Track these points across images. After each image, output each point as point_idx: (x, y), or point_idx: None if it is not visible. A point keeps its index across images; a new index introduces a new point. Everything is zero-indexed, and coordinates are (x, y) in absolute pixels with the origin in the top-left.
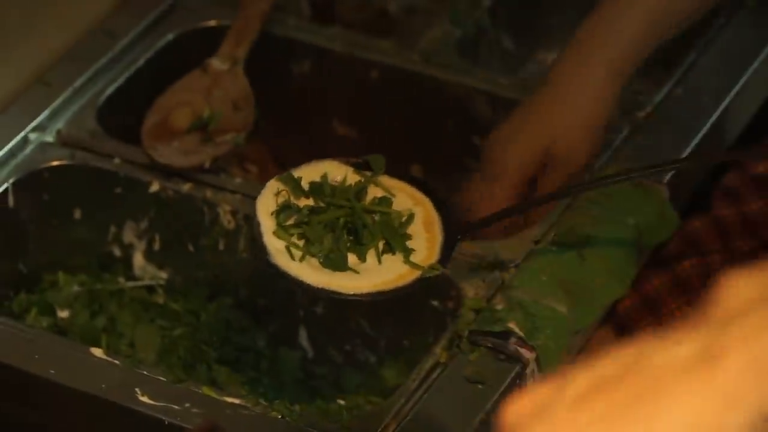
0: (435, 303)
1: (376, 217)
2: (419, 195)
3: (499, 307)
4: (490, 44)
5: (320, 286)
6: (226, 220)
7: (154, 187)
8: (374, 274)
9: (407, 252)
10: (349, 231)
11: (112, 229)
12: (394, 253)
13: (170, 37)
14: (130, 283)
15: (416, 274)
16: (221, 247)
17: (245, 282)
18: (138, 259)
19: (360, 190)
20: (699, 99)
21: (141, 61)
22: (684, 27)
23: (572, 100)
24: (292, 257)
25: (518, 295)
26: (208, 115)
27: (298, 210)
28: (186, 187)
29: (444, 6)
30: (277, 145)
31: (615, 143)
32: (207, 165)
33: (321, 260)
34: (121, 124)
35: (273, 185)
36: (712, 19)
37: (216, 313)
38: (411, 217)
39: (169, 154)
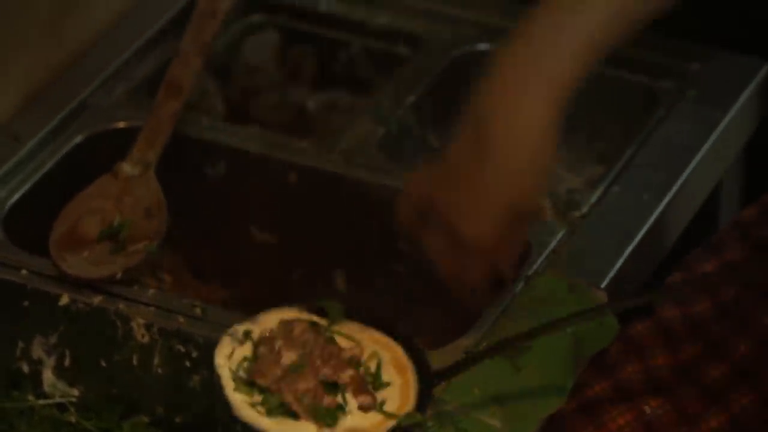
0: None
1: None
2: (382, 337)
3: (430, 422)
4: (415, 142)
5: None
6: (140, 334)
7: (64, 300)
8: (349, 425)
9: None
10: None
11: (20, 344)
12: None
13: (78, 139)
14: (41, 401)
15: (392, 422)
16: (135, 362)
17: (161, 399)
18: (48, 376)
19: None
20: (638, 197)
21: (48, 166)
22: (635, 30)
23: (513, 141)
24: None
25: (449, 409)
26: (119, 223)
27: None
28: (97, 299)
29: (366, 103)
30: (192, 253)
31: (551, 245)
32: (119, 276)
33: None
34: (28, 233)
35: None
36: (650, 112)
37: None
38: (379, 364)
39: (78, 264)
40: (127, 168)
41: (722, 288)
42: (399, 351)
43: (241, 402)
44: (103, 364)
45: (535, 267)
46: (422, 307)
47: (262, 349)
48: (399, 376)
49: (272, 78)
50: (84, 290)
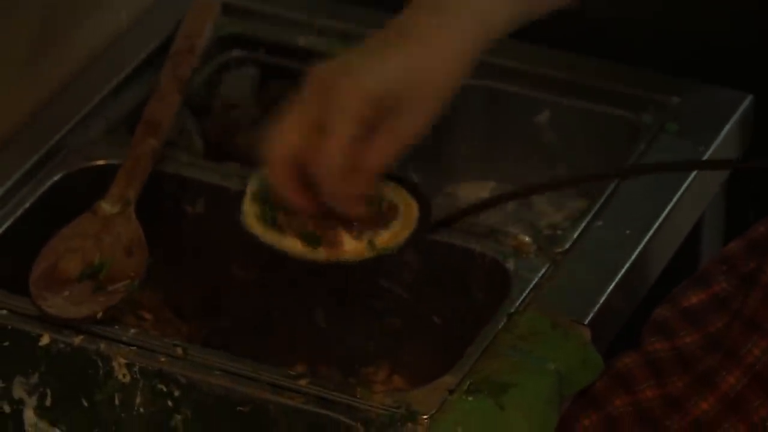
0: None
1: None
2: (407, 195)
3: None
4: None
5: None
6: (122, 374)
7: (45, 340)
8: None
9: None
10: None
11: (1, 384)
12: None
13: (57, 177)
14: None
15: (372, 253)
16: (117, 402)
17: None
18: (29, 416)
19: None
20: (621, 231)
21: (26, 204)
22: None
23: (430, 41)
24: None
25: None
26: (99, 262)
27: None
28: (78, 339)
29: None
30: (173, 291)
31: (533, 282)
32: (99, 315)
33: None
34: (7, 273)
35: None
36: (632, 146)
37: None
38: (395, 207)
39: (59, 304)
40: (106, 206)
41: (710, 319)
42: (414, 206)
43: (248, 211)
44: (85, 403)
45: (517, 304)
46: (403, 344)
47: None
48: (403, 222)
49: (251, 114)
50: (64, 330)
